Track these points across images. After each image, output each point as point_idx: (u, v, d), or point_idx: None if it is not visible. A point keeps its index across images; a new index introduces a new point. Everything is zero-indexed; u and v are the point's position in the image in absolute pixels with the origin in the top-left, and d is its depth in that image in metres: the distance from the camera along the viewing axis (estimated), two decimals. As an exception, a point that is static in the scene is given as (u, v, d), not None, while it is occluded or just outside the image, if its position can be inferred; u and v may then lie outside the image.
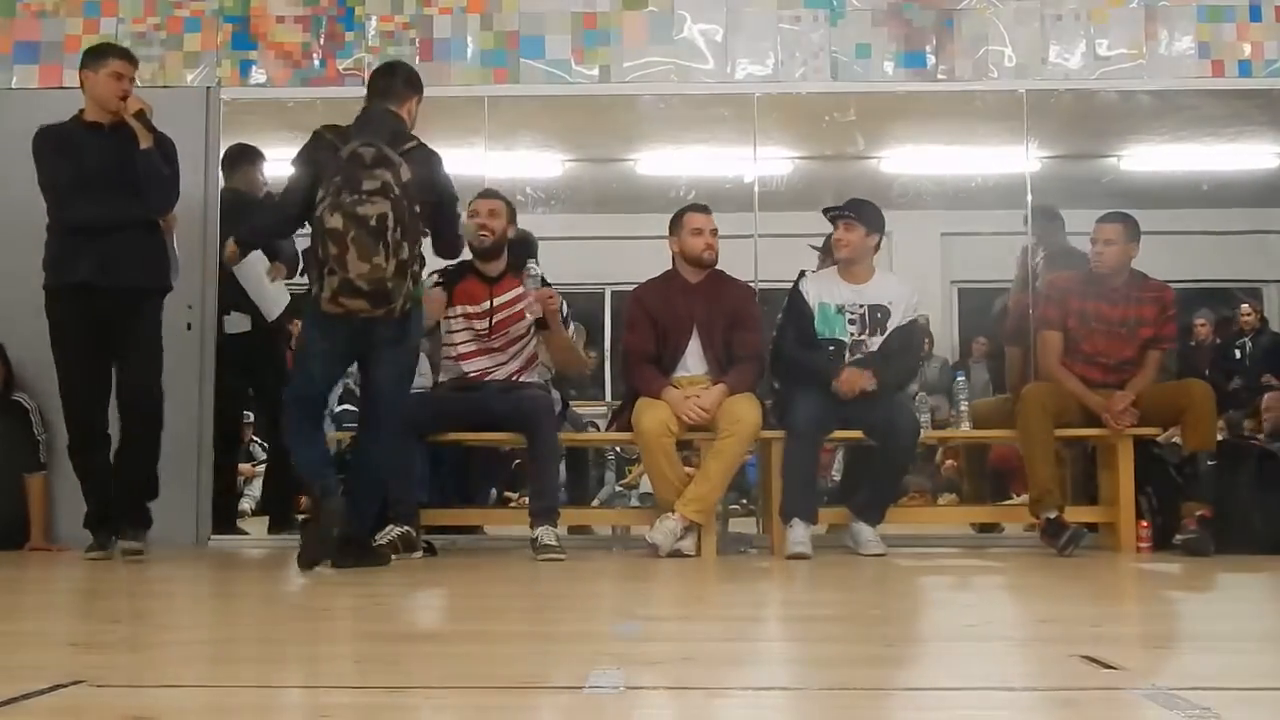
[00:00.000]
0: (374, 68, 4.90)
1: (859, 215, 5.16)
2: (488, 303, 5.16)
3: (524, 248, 5.55)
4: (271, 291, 5.83)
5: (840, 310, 5.15)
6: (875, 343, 5.11)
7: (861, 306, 5.14)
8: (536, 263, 5.20)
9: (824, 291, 5.20)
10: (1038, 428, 5.02)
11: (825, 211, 5.27)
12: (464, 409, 5.08)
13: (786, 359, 5.20)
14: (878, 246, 5.24)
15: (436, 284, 5.17)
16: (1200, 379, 5.57)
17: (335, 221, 4.14)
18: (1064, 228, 6.23)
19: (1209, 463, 4.97)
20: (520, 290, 5.18)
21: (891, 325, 5.12)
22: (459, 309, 5.18)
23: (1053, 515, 4.94)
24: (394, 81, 4.59)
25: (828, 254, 5.55)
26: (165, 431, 5.72)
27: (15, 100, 6.00)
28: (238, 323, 5.96)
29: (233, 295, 5.91)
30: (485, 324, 5.16)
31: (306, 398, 4.54)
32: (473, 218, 5.14)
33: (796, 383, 5.13)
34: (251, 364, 6.02)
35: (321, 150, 4.38)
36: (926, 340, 8.05)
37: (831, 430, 5.08)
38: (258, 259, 5.44)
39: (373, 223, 4.13)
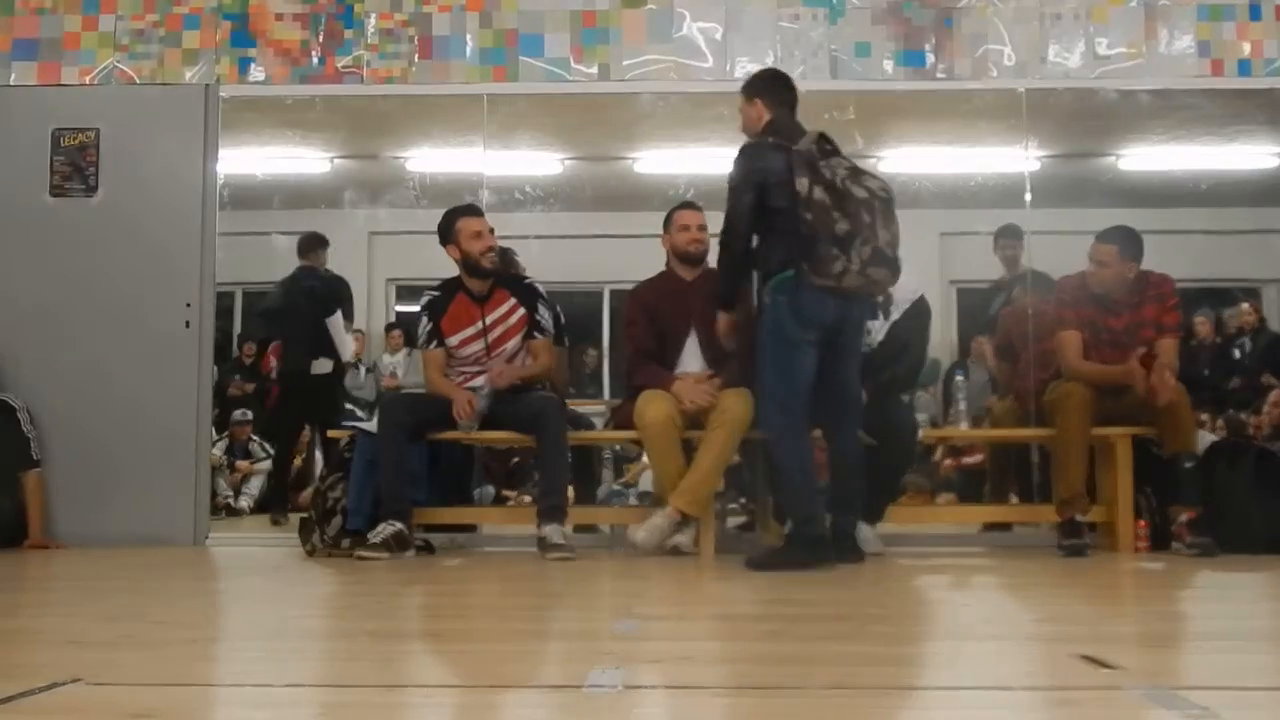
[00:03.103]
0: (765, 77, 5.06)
1: None
2: (481, 323, 5.15)
3: (504, 263, 5.56)
4: (348, 340, 7.50)
5: None
6: (874, 326, 5.10)
7: None
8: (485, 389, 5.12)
9: None
10: (1078, 429, 4.99)
11: None
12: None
13: None
14: None
15: (427, 326, 5.20)
16: (1199, 378, 5.55)
17: (861, 191, 4.35)
18: (1021, 247, 6.27)
19: (1187, 464, 4.96)
20: (514, 302, 5.17)
21: (894, 312, 5.10)
22: (454, 339, 5.17)
23: (1079, 518, 4.97)
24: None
25: None
26: (164, 430, 5.75)
27: (14, 97, 5.99)
28: (322, 365, 7.29)
29: (320, 341, 7.26)
30: (482, 344, 5.15)
31: (799, 398, 4.46)
32: (477, 239, 5.13)
33: None
34: (330, 395, 7.41)
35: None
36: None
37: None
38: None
39: (883, 195, 4.40)
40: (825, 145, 4.51)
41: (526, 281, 5.35)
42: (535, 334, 5.21)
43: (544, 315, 5.22)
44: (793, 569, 4.20)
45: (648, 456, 5.21)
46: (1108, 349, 5.13)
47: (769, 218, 4.50)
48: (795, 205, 4.35)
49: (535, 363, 5.20)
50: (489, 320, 5.15)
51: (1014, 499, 6.28)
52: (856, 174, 4.43)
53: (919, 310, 5.17)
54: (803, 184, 4.36)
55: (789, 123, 4.69)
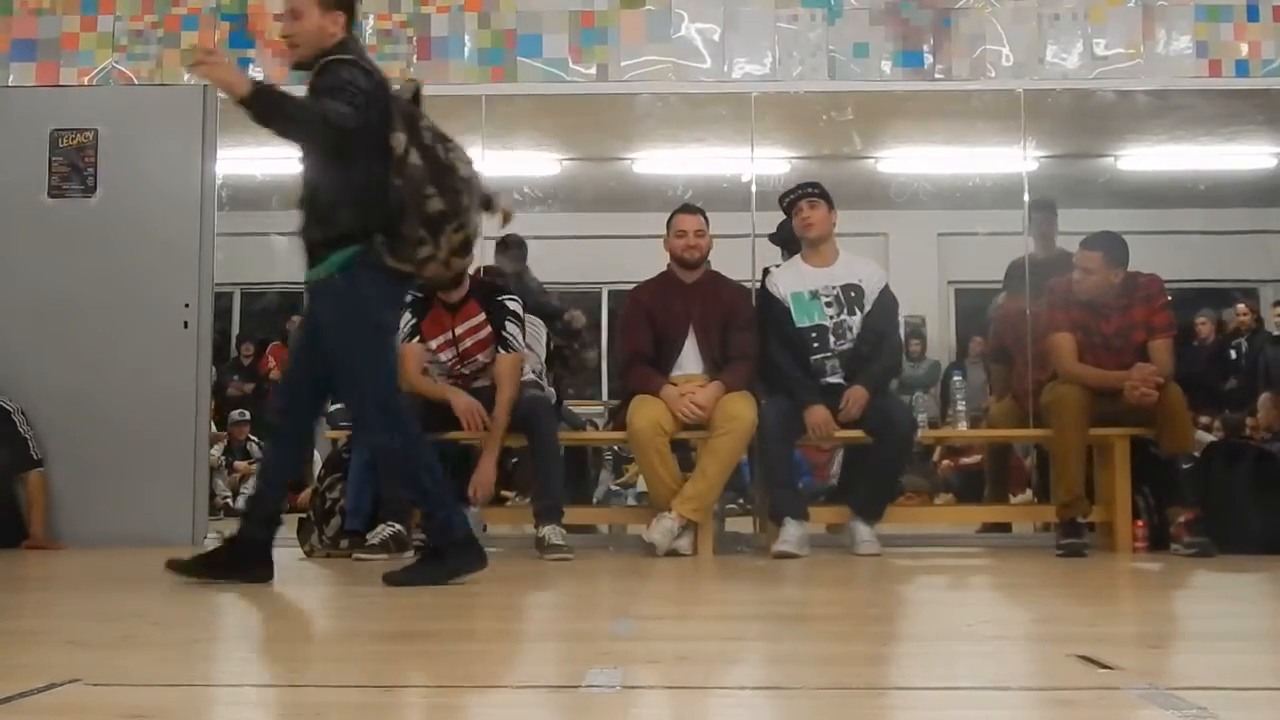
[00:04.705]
0: None
1: (820, 192, 5.18)
2: (450, 333, 5.11)
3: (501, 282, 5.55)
4: None
5: (814, 296, 5.14)
6: (854, 321, 5.10)
7: (834, 288, 5.14)
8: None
9: (794, 281, 5.19)
10: (1075, 432, 4.99)
11: (783, 198, 5.26)
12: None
13: (775, 370, 5.15)
14: (834, 224, 5.24)
15: (409, 321, 5.10)
16: (1195, 379, 5.55)
17: (465, 169, 3.74)
18: (1056, 224, 6.17)
19: (1185, 465, 4.96)
20: (483, 317, 5.10)
21: (867, 304, 5.12)
22: (431, 343, 5.12)
23: (1080, 519, 4.97)
24: None
25: (787, 244, 5.54)
26: (163, 431, 5.75)
27: (12, 98, 5.99)
28: None
29: None
30: (453, 352, 5.12)
31: (395, 392, 3.88)
32: None
33: (774, 390, 5.13)
34: None
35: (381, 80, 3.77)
36: (917, 342, 8.11)
37: (800, 433, 5.06)
38: None
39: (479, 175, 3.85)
40: (419, 99, 3.79)
41: (500, 299, 5.18)
42: (500, 349, 5.08)
43: (512, 333, 5.09)
44: (436, 582, 3.66)
45: (637, 462, 5.21)
46: (1101, 352, 5.13)
47: (347, 164, 3.66)
48: (385, 164, 3.63)
49: (500, 389, 5.00)
50: (459, 331, 5.11)
51: (1028, 495, 6.30)
52: (448, 143, 3.75)
53: (886, 299, 5.19)
54: (399, 140, 3.64)
55: (360, 50, 3.86)
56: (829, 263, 5.19)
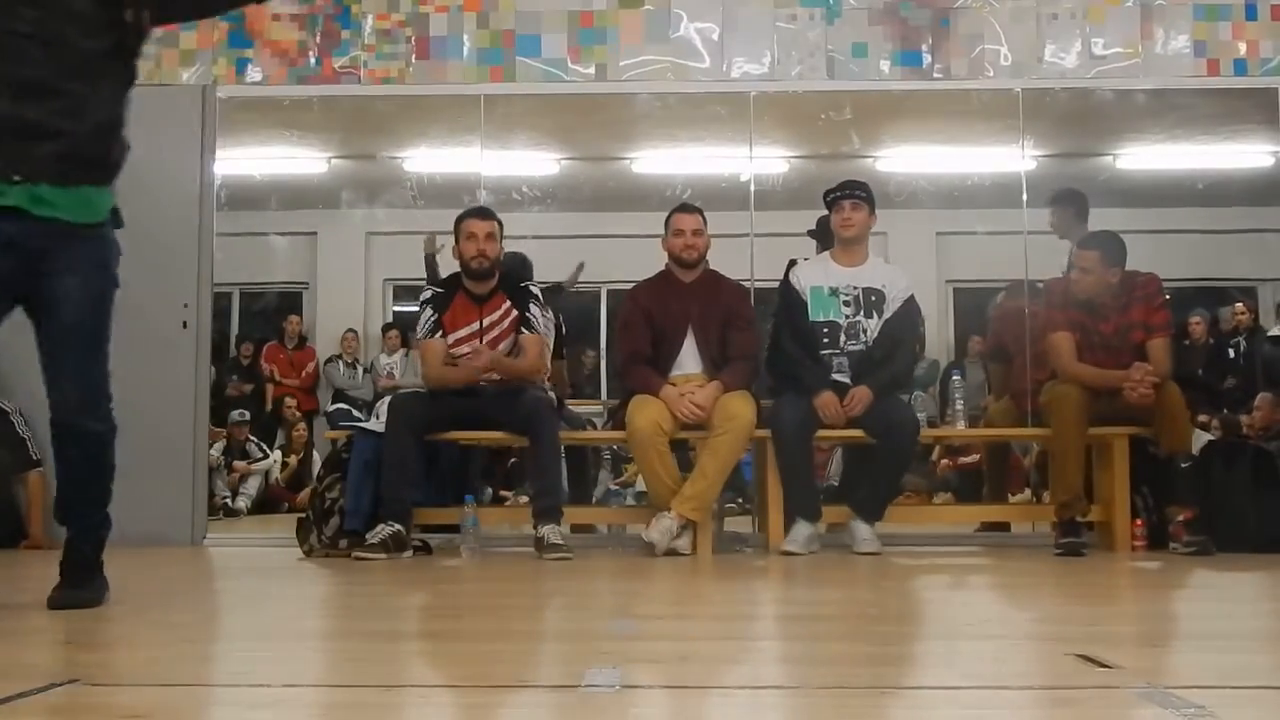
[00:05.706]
0: None
1: (866, 195, 5.21)
2: (478, 324, 5.12)
3: (521, 270, 5.53)
4: None
5: (834, 293, 5.15)
6: (869, 324, 5.12)
7: (855, 289, 5.15)
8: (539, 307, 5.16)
9: (816, 276, 5.21)
10: (1074, 431, 5.00)
11: (828, 193, 5.27)
12: (465, 410, 5.04)
13: (784, 359, 5.18)
14: (871, 228, 5.28)
15: (430, 316, 5.13)
16: (1190, 379, 5.56)
17: None
18: (1081, 211, 5.93)
19: (1184, 464, 4.97)
20: (508, 305, 5.14)
21: (887, 310, 5.13)
22: (450, 337, 5.11)
23: (1078, 519, 4.98)
24: None
25: (823, 238, 5.55)
26: (162, 431, 5.74)
27: (10, 98, 5.98)
28: None
29: None
30: (477, 345, 5.11)
31: None
32: (468, 240, 5.09)
33: (786, 385, 5.14)
34: None
35: None
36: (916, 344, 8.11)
37: (816, 429, 5.07)
38: None
39: None
40: None
41: (523, 285, 5.28)
42: (524, 329, 5.13)
43: (535, 314, 5.15)
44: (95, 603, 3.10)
45: (636, 462, 5.21)
46: (1100, 352, 5.13)
47: (128, 84, 3.21)
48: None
49: (524, 357, 5.09)
50: (486, 322, 5.13)
51: (1026, 494, 6.30)
52: None
53: (910, 309, 5.20)
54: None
55: None
56: (857, 263, 5.21)
